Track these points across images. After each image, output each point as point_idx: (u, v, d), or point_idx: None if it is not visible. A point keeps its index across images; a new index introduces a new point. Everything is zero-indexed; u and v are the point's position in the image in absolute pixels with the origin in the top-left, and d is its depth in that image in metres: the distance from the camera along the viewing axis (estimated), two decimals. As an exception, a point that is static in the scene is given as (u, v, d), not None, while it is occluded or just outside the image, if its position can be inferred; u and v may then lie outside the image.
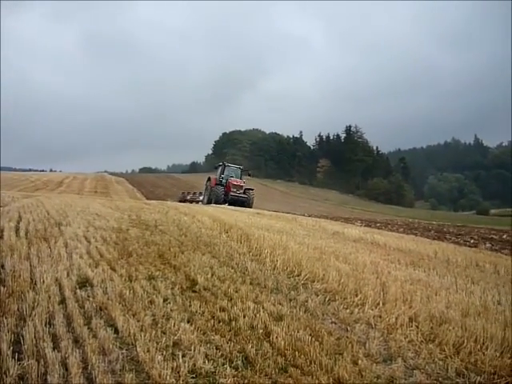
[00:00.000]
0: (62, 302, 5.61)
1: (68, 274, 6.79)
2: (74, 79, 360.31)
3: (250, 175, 41.09)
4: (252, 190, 34.69)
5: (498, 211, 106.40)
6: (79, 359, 4.08)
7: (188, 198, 42.95)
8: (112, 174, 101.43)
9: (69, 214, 13.77)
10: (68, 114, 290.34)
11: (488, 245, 16.08)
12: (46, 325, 4.78)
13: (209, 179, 35.84)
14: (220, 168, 35.82)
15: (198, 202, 39.17)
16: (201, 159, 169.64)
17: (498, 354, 4.54)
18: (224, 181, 34.25)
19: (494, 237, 19.86)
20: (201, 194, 40.75)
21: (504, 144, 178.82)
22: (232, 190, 32.98)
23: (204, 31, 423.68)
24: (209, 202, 33.08)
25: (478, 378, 4.14)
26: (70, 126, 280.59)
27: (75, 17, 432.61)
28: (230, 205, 31.00)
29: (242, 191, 33.56)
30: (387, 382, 4.04)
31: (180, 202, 39.87)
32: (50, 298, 5.65)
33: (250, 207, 32.26)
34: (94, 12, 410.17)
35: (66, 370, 3.91)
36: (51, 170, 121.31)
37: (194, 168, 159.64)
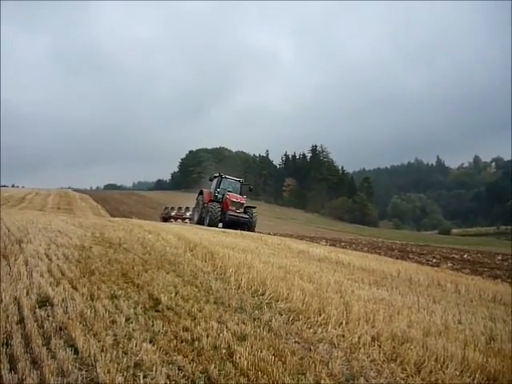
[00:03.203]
0: (21, 321, 5.46)
1: (28, 293, 6.62)
2: (35, 91, 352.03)
3: (251, 190, 34.44)
4: (254, 208, 29.26)
5: (460, 231, 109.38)
6: (37, 381, 3.98)
7: (173, 214, 37.95)
8: (76, 190, 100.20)
9: (30, 231, 13.47)
10: (29, 128, 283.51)
11: (449, 264, 16.42)
12: (2, 345, 4.64)
13: (201, 193, 29.94)
14: (216, 180, 29.87)
15: (184, 219, 35.10)
16: (167, 177, 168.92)
17: (457, 373, 4.60)
18: (220, 196, 28.59)
19: (456, 256, 20.40)
20: (188, 209, 36.28)
21: (465, 165, 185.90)
22: (230, 207, 27.39)
23: (173, 44, 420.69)
24: (200, 222, 27.66)
25: (438, 396, 4.20)
26: (32, 140, 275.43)
27: (40, 26, 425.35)
28: (226, 227, 26.16)
29: (242, 210, 28.02)
30: (349, 402, 4.06)
31: (164, 220, 35.90)
32: (7, 317, 5.49)
33: (253, 230, 26.89)
34: (58, 21, 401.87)
35: (23, 392, 3.81)
36: (13, 186, 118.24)
37: (159, 185, 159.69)
